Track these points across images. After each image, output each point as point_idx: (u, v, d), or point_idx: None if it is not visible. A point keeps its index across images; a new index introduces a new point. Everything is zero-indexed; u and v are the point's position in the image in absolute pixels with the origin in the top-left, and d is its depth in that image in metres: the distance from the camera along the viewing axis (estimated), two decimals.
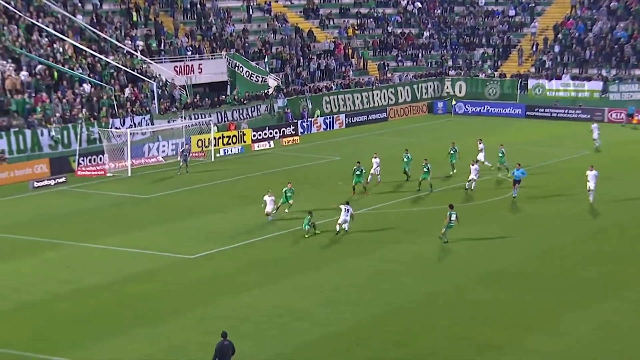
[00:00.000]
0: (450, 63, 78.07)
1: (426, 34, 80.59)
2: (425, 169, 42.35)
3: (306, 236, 34.95)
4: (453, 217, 33.91)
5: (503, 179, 45.35)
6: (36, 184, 44.42)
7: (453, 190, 43.19)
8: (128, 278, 30.03)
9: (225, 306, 27.20)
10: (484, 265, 31.84)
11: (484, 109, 71.80)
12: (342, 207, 35.84)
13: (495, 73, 75.43)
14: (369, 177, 43.83)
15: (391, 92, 72.15)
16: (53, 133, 48.84)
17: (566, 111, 69.12)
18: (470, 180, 42.61)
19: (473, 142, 58.15)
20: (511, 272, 31.07)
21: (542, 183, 45.32)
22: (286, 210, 37.83)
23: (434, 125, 67.06)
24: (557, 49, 75.16)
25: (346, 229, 35.57)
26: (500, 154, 46.47)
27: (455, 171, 45.24)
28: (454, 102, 72.16)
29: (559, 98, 70.94)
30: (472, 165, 43.06)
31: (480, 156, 47.38)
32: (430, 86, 75.05)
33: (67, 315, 26.37)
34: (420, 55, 78.63)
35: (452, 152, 46.66)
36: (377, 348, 24.23)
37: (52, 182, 45.08)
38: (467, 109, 72.31)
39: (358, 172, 41.79)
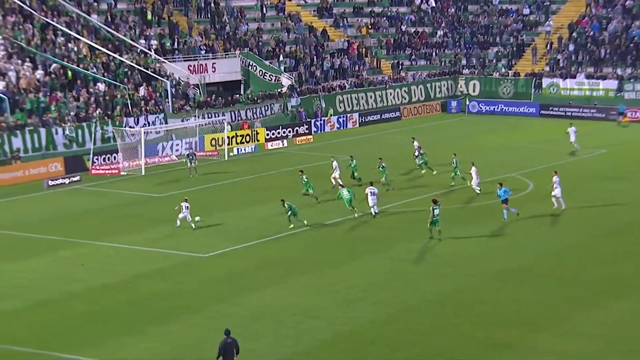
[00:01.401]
0: (464, 62, 77.89)
1: (440, 32, 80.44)
2: (380, 168, 43.00)
3: (291, 226, 35.80)
4: (436, 212, 33.88)
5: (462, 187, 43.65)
6: (51, 183, 44.65)
7: (466, 190, 43.09)
8: (142, 276, 30.15)
9: (239, 305, 27.27)
10: (497, 264, 31.78)
11: (497, 108, 71.61)
12: (368, 190, 37.23)
13: (509, 72, 75.21)
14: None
15: (405, 91, 72.06)
16: (67, 132, 49.09)
17: (581, 110, 68.82)
18: (475, 182, 41.87)
19: (485, 141, 58.09)
20: (524, 271, 31.00)
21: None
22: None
23: (448, 124, 66.95)
24: (571, 47, 74.87)
25: (374, 212, 36.98)
26: (452, 164, 44.04)
27: (454, 183, 43.79)
28: (467, 102, 72.03)
29: (573, 97, 70.66)
30: (472, 167, 42.15)
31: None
32: (444, 85, 74.91)
33: (81, 314, 26.50)
34: (434, 54, 78.52)
35: (453, 164, 44.38)
36: (390, 347, 24.24)
37: (67, 181, 45.30)
38: (480, 107, 72.12)
39: (381, 168, 42.96)
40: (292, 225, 36.04)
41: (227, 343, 21.36)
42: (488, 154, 53.78)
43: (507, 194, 37.08)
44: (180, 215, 36.01)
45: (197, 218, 35.99)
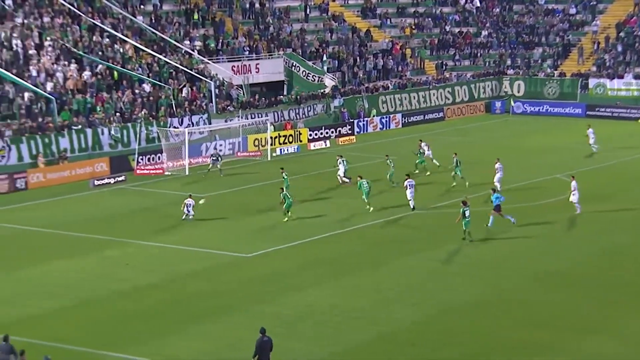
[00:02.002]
0: (508, 62, 77.39)
1: (484, 32, 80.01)
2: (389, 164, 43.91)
3: (285, 220, 36.92)
4: (467, 213, 33.77)
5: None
6: (96, 183, 45.39)
7: (514, 191, 42.91)
8: (185, 276, 30.57)
9: (281, 305, 27.53)
10: (536, 266, 31.65)
11: (542, 109, 71.03)
12: (407, 182, 38.21)
13: (555, 72, 74.55)
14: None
15: (448, 91, 71.82)
16: (113, 132, 49.84)
17: (628, 111, 68.00)
18: (497, 178, 42.18)
19: (530, 142, 57.70)
20: (565, 273, 30.83)
21: (600, 183, 44.81)
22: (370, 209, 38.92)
23: (492, 125, 66.59)
24: (619, 47, 73.97)
25: (412, 205, 38.04)
26: (455, 164, 43.89)
27: (455, 184, 43.73)
28: (512, 102, 71.57)
29: (620, 97, 69.80)
30: (497, 162, 42.74)
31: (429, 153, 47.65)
32: (488, 85, 74.49)
33: (126, 312, 26.97)
34: (478, 54, 78.12)
35: (454, 164, 44.25)
36: (429, 348, 24.33)
37: (112, 181, 46.01)
38: (525, 108, 71.60)
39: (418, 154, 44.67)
40: (286, 219, 37.03)
41: (263, 341, 21.65)
42: (533, 155, 53.45)
43: (499, 200, 36.05)
44: (186, 210, 37.36)
45: (201, 201, 37.36)
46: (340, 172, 44.42)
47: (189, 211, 37.71)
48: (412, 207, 38.50)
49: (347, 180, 43.64)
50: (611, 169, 49.23)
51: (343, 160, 45.08)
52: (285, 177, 41.11)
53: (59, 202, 42.22)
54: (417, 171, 46.55)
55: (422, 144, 48.48)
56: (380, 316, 26.54)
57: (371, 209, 38.83)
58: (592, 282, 29.84)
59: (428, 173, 46.83)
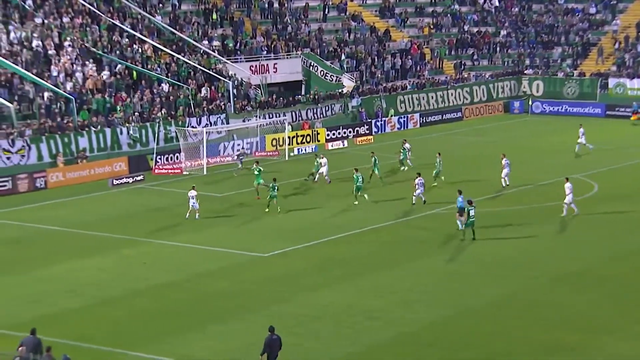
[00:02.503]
0: (527, 62, 77.11)
1: (503, 32, 79.74)
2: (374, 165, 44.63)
3: (267, 210, 38.66)
4: (472, 213, 33.67)
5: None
6: (115, 182, 45.64)
7: (529, 191, 42.82)
8: (203, 275, 30.69)
9: (299, 304, 27.59)
10: (559, 266, 31.53)
11: (562, 109, 70.71)
12: (417, 181, 39.21)
13: (574, 72, 74.19)
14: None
15: (466, 91, 71.64)
16: (132, 132, 50.08)
17: None
18: (505, 173, 43.03)
19: (549, 142, 57.46)
20: (587, 274, 30.69)
21: (619, 184, 44.57)
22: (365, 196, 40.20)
23: (510, 125, 66.38)
24: (639, 47, 73.49)
25: (423, 200, 39.19)
26: (436, 164, 44.23)
27: (435, 184, 43.79)
28: (530, 102, 71.31)
29: None
30: (503, 158, 43.41)
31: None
32: (507, 85, 74.25)
33: (144, 311, 27.12)
34: (497, 54, 77.88)
35: (437, 164, 44.63)
36: (448, 349, 24.30)
37: (130, 180, 46.24)
38: (544, 108, 71.32)
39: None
40: (267, 210, 38.97)
41: (272, 340, 21.73)
42: (552, 155, 53.26)
43: (461, 203, 35.59)
44: (191, 203, 37.56)
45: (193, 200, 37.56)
46: (324, 170, 44.96)
47: (194, 204, 37.89)
48: (423, 200, 39.77)
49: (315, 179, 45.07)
50: (630, 169, 48.95)
51: (320, 161, 45.69)
52: (257, 173, 41.94)
53: (77, 202, 42.48)
54: (403, 168, 47.56)
55: (406, 144, 48.74)
56: (397, 317, 26.53)
57: (355, 202, 40.15)
58: (611, 283, 29.69)
59: (403, 168, 47.77)
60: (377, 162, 45.29)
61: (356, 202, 40.40)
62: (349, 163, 48.77)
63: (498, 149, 50.22)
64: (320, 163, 45.45)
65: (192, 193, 38.15)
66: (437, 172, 44.23)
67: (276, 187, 39.57)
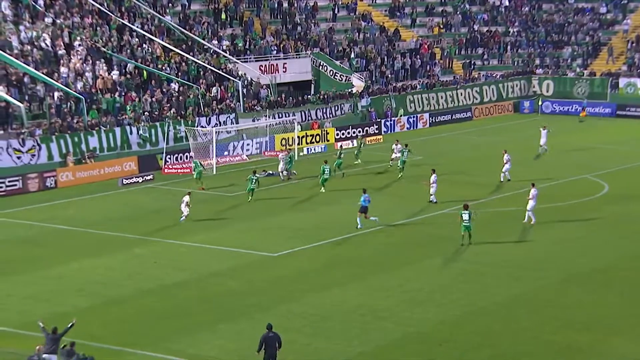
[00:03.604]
0: (537, 61, 76.94)
1: (513, 31, 79.58)
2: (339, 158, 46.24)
3: (248, 200, 40.07)
4: (465, 217, 33.46)
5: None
6: (125, 181, 45.72)
7: (543, 191, 42.71)
8: (213, 274, 30.73)
9: (308, 304, 27.59)
10: (569, 267, 31.44)
11: (572, 108, 70.54)
12: (433, 177, 39.69)
13: (585, 72, 73.98)
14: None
15: (476, 91, 71.54)
16: (141, 131, 50.17)
17: None
18: (506, 168, 43.92)
19: (559, 142, 57.33)
20: (598, 274, 30.60)
21: (631, 183, 44.41)
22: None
23: (520, 125, 66.23)
24: None
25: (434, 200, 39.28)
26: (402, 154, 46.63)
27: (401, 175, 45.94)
28: (540, 102, 71.15)
29: None
30: (505, 154, 44.21)
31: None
32: (517, 85, 74.14)
33: (154, 310, 27.16)
34: (507, 53, 77.72)
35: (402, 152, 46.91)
36: (459, 349, 24.25)
37: (140, 180, 46.32)
38: (554, 108, 71.17)
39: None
40: (250, 199, 40.55)
41: (269, 337, 21.84)
42: (562, 155, 53.12)
43: (366, 202, 35.82)
44: (184, 210, 37.04)
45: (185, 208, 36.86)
46: (281, 166, 45.81)
47: (184, 208, 37.18)
48: (434, 201, 39.86)
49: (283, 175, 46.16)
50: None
51: (285, 157, 46.71)
52: (410, 151, 46.19)
53: (88, 201, 42.58)
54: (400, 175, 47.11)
55: (398, 145, 48.78)
56: (407, 316, 26.50)
57: (323, 190, 42.16)
58: (623, 283, 29.59)
59: (390, 165, 48.43)
60: (405, 154, 46.52)
61: (322, 190, 42.08)
62: (358, 164, 48.70)
63: (507, 150, 50.13)
64: (290, 158, 46.81)
65: (186, 198, 37.45)
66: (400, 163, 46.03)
67: (254, 180, 40.67)
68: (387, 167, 48.53)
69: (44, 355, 21.04)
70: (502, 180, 44.15)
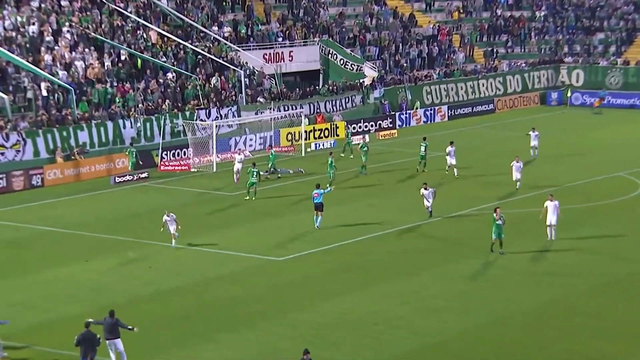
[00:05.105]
0: (566, 49, 76.88)
1: (540, 16, 79.55)
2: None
3: (246, 198, 40.69)
4: (500, 222, 32.91)
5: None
6: (117, 179, 45.93)
7: (565, 191, 42.74)
8: (212, 280, 30.86)
9: (316, 312, 27.69)
10: (603, 271, 31.48)
11: (604, 100, 70.49)
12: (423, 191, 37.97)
13: (618, 60, 73.92)
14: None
15: (499, 81, 71.59)
16: (139, 124, 50.30)
17: None
18: (515, 180, 42.45)
19: (589, 137, 57.27)
20: (628, 281, 30.61)
21: None
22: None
23: (547, 118, 66.25)
24: None
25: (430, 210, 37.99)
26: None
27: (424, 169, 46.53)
28: (570, 93, 71.14)
29: None
30: (517, 162, 42.63)
31: None
32: (544, 75, 74.16)
33: (149, 318, 27.29)
34: (532, 40, 77.67)
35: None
36: None
37: (134, 178, 46.53)
38: (584, 99, 71.19)
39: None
40: (247, 197, 40.95)
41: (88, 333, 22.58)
42: (592, 151, 53.14)
43: (319, 199, 36.18)
44: (171, 229, 34.04)
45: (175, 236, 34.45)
46: (238, 167, 45.18)
47: (169, 230, 34.12)
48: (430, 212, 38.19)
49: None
50: None
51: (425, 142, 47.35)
52: (427, 144, 46.50)
53: (77, 200, 42.78)
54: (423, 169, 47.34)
55: (452, 148, 47.94)
56: (423, 325, 26.58)
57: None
58: None
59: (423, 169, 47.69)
60: (426, 149, 46.78)
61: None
62: (370, 160, 48.77)
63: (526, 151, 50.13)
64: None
65: (167, 217, 34.32)
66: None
67: (255, 173, 40.90)
68: (444, 175, 46.41)
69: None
70: (517, 188, 42.98)
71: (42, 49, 50.77)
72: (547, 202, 34.74)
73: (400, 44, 69.94)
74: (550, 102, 72.07)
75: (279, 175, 46.66)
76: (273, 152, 47.96)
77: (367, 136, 46.61)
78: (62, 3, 54.52)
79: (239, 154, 46.42)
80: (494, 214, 33.26)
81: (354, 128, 59.30)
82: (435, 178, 44.66)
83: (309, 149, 54.42)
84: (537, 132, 51.08)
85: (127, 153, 47.42)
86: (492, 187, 43.75)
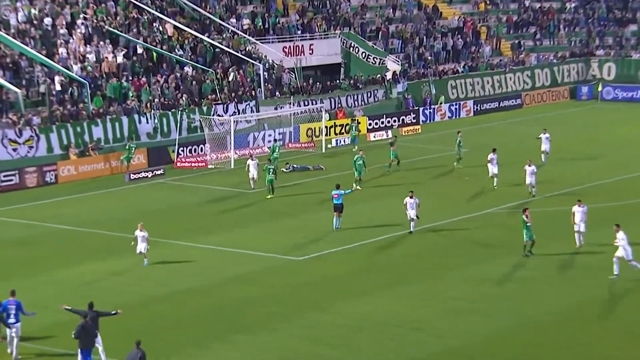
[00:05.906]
0: (597, 41, 76.37)
1: (570, 7, 79.06)
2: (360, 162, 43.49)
3: (268, 197, 40.69)
4: (528, 225, 32.51)
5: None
6: (132, 176, 46.00)
7: (596, 189, 42.42)
8: (230, 280, 30.84)
9: (337, 313, 27.60)
10: (630, 274, 31.16)
11: (637, 95, 70.05)
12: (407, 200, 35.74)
13: None
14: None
15: (527, 75, 71.24)
16: (156, 120, 50.37)
17: None
18: (529, 184, 41.13)
19: (621, 133, 56.82)
20: None
21: None
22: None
23: (577, 113, 65.92)
24: None
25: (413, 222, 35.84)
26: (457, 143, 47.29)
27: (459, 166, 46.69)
28: (601, 87, 70.67)
29: None
30: (529, 166, 41.27)
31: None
32: (574, 68, 73.76)
33: (164, 319, 27.31)
34: (562, 32, 77.21)
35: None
36: None
37: (149, 174, 46.58)
38: (616, 94, 70.71)
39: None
40: (269, 196, 41.00)
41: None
42: (625, 148, 52.73)
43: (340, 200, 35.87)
44: (138, 249, 32.16)
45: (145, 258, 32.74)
46: (254, 174, 43.13)
47: (139, 248, 32.15)
48: (413, 220, 36.03)
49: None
50: None
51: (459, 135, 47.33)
52: (460, 142, 46.32)
53: (91, 198, 42.91)
54: (459, 166, 47.01)
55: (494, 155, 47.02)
56: (447, 328, 26.44)
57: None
58: None
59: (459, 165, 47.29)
60: (461, 143, 46.67)
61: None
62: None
63: (562, 141, 49.83)
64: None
65: (139, 233, 32.31)
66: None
67: (271, 170, 40.89)
68: (487, 187, 44.16)
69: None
70: (534, 195, 41.94)
71: (58, 42, 50.90)
72: (574, 208, 34.28)
73: (425, 37, 69.70)
74: (581, 97, 71.65)
75: (288, 169, 47.15)
76: (277, 145, 48.00)
77: (361, 151, 44.99)
78: None
79: (252, 159, 44.32)
80: (523, 216, 32.93)
81: (376, 124, 59.16)
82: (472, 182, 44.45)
83: (329, 145, 54.31)
84: (548, 134, 49.04)
85: (127, 148, 47.35)
86: (516, 186, 43.42)
